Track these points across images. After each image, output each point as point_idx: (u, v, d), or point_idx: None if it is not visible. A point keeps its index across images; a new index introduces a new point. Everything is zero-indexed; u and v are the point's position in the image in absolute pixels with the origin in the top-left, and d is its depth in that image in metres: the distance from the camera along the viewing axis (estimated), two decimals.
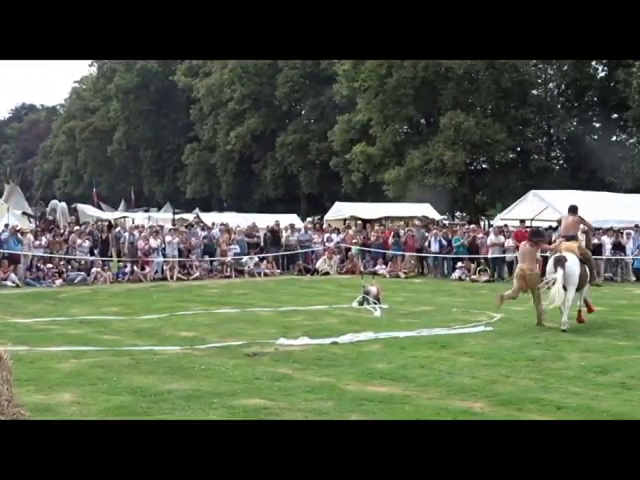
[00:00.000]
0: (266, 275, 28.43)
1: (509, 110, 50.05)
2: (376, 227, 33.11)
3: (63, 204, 36.73)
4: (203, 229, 30.46)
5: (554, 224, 27.22)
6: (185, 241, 28.04)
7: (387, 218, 37.08)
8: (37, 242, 25.54)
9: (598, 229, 26.13)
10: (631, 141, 52.39)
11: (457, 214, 57.76)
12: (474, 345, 12.28)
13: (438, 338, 12.94)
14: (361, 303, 17.86)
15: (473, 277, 26.36)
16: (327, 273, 28.83)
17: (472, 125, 46.52)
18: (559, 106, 53.77)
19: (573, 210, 15.94)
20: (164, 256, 27.11)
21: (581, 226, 16.42)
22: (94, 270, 25.29)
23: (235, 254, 28.90)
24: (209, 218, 37.33)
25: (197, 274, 26.99)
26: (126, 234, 27.75)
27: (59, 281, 24.26)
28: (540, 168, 51.55)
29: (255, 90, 62.12)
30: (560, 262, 14.59)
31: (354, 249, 30.41)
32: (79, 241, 25.88)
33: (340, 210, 38.81)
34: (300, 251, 30.36)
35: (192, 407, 8.13)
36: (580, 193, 33.14)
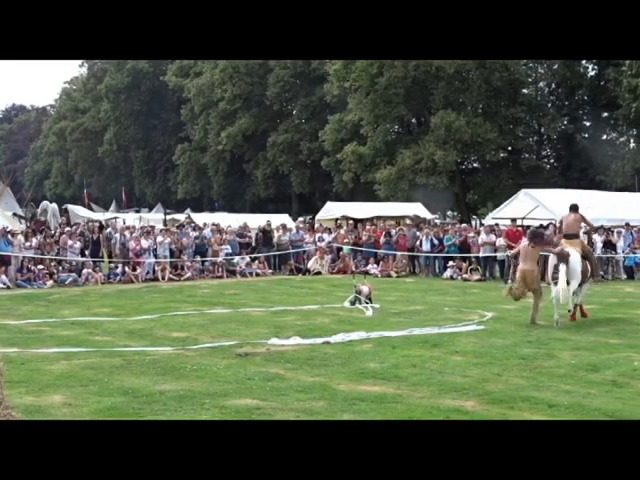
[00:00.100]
0: (258, 275, 28.42)
1: (500, 109, 50.14)
2: (367, 227, 33.13)
3: (54, 205, 36.63)
4: (194, 229, 30.44)
5: (545, 222, 27.33)
6: (176, 241, 28.01)
7: (378, 218, 37.06)
8: (28, 243, 25.46)
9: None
10: (621, 139, 52.62)
11: (448, 213, 57.81)
12: (466, 344, 12.30)
13: (430, 337, 12.95)
14: (353, 303, 17.86)
15: (465, 276, 26.39)
16: (319, 273, 28.83)
17: (463, 124, 46.59)
18: (549, 105, 53.92)
19: (574, 208, 16.20)
20: (155, 257, 27.07)
21: (582, 225, 16.73)
22: (85, 271, 25.23)
23: (227, 254, 28.89)
24: (200, 218, 37.28)
25: (189, 274, 26.95)
26: (117, 235, 27.71)
27: (50, 282, 24.21)
28: (531, 167, 51.70)
29: (246, 90, 62.07)
30: (564, 258, 14.86)
31: (346, 249, 30.42)
32: (70, 242, 25.82)
33: (331, 210, 38.80)
34: (292, 251, 30.36)
35: (184, 408, 8.13)
36: (571, 192, 33.21)
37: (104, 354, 11.41)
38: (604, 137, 53.43)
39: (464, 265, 27.10)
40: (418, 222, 34.79)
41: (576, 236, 16.04)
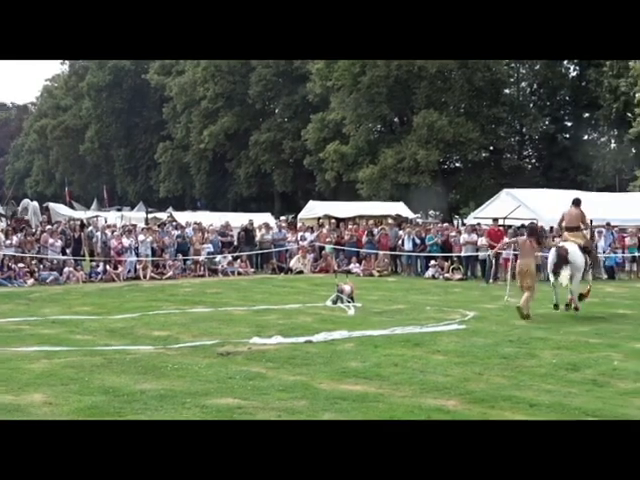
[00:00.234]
0: (240, 274, 28.36)
1: (482, 109, 50.37)
2: (350, 226, 33.14)
3: (35, 203, 36.41)
4: (176, 228, 30.34)
5: (527, 222, 27.42)
6: (158, 240, 27.91)
7: (361, 217, 37.10)
8: (8, 241, 25.28)
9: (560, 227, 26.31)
10: (602, 140, 52.95)
11: (430, 213, 57.98)
12: (447, 343, 12.31)
13: (411, 336, 12.96)
14: (335, 302, 17.85)
15: (446, 275, 26.44)
16: (301, 272, 28.81)
17: (445, 124, 46.76)
18: (531, 105, 54.24)
19: (577, 203, 16.83)
20: (137, 255, 26.97)
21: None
22: (66, 270, 25.10)
23: (208, 253, 28.82)
24: (182, 217, 37.18)
25: (170, 273, 26.87)
26: (98, 233, 27.58)
27: (31, 281, 24.07)
28: (513, 167, 51.99)
29: (228, 88, 62.01)
30: (564, 258, 15.54)
31: (328, 248, 30.41)
32: (51, 240, 25.68)
33: (314, 209, 38.79)
34: (274, 250, 30.33)
35: (165, 407, 8.10)
36: (552, 192, 33.40)
37: (85, 353, 11.35)
38: (585, 137, 53.78)
39: (446, 264, 27.15)
40: (400, 221, 34.85)
41: (577, 228, 16.68)
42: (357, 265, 29.10)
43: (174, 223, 32.85)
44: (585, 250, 16.20)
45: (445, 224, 34.56)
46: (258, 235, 30.63)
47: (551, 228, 26.88)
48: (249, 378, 9.52)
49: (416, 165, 46.94)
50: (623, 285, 23.41)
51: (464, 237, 27.19)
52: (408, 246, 28.52)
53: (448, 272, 26.71)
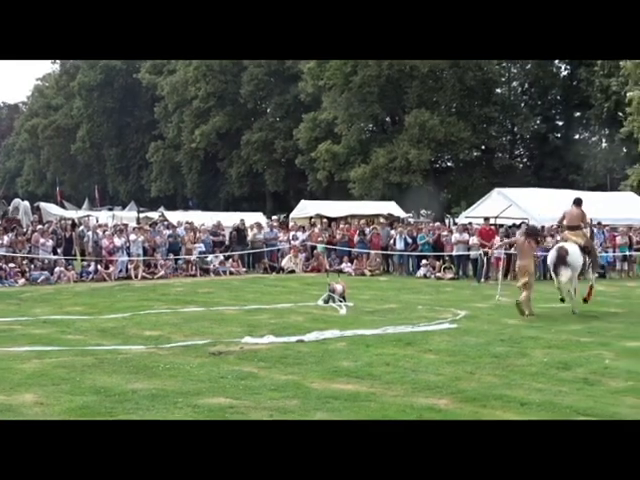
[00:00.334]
0: (231, 273, 28.33)
1: (473, 108, 50.45)
2: (341, 225, 33.14)
3: (26, 203, 36.31)
4: (168, 228, 30.28)
5: (518, 221, 27.52)
6: (150, 240, 27.86)
7: (353, 216, 37.11)
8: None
9: (560, 226, 26.36)
10: (593, 139, 53.09)
11: (422, 212, 58.03)
12: (439, 342, 12.33)
13: (403, 336, 12.97)
14: (326, 301, 17.85)
15: (438, 275, 26.46)
16: (293, 271, 28.80)
17: (437, 123, 46.82)
18: (523, 104, 54.35)
19: (578, 202, 17.28)
20: (128, 255, 26.90)
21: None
22: (57, 269, 25.04)
23: (200, 253, 28.77)
24: (174, 217, 37.11)
25: (162, 273, 26.82)
26: (90, 233, 27.51)
27: (22, 280, 24.00)
28: (504, 166, 52.07)
29: (220, 88, 61.94)
30: (562, 259, 15.94)
31: (320, 247, 30.40)
32: (42, 240, 25.61)
33: (305, 208, 38.79)
34: (266, 249, 30.30)
35: (156, 407, 8.09)
36: (543, 191, 33.51)
37: (76, 353, 11.32)
38: (576, 137, 53.96)
39: (437, 264, 27.17)
40: (392, 221, 34.88)
41: (578, 227, 17.08)
42: (349, 264, 29.10)
43: (165, 223, 32.77)
44: (585, 250, 16.57)
45: (437, 223, 34.60)
46: (250, 235, 30.59)
47: (542, 227, 26.94)
48: (241, 378, 9.52)
49: (408, 164, 46.98)
50: (614, 284, 23.48)
51: (455, 236, 27.21)
52: (400, 245, 28.54)
53: (440, 271, 26.72)
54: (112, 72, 73.45)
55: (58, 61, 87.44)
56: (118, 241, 26.81)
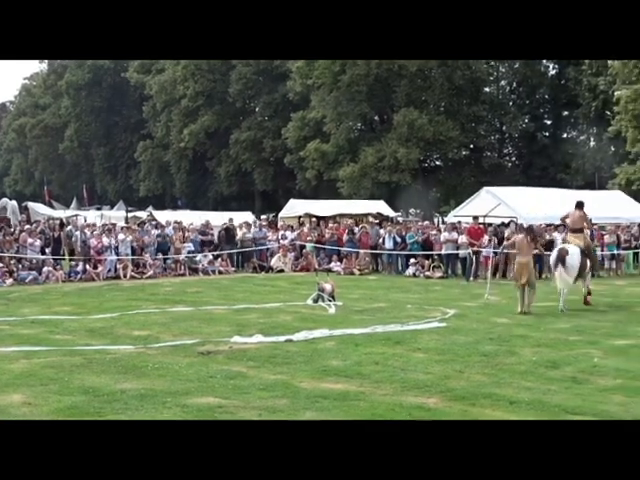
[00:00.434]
0: (220, 273, 28.29)
1: (462, 107, 50.55)
2: (330, 224, 33.14)
3: (14, 202, 36.22)
4: (156, 227, 30.21)
5: (507, 220, 27.57)
6: (138, 239, 27.80)
7: (341, 215, 37.12)
8: None
9: (550, 225, 26.47)
10: (582, 138, 53.26)
11: (411, 211, 58.11)
12: (428, 341, 12.33)
13: (392, 334, 12.97)
14: (316, 300, 17.85)
15: (427, 273, 26.48)
16: (282, 270, 28.77)
17: (425, 122, 46.90)
18: (511, 103, 54.51)
19: (580, 206, 17.81)
20: (117, 255, 26.84)
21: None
22: (45, 269, 24.95)
23: (189, 252, 28.73)
24: (163, 216, 37.05)
25: (150, 272, 26.76)
26: (78, 232, 27.41)
27: (10, 280, 23.90)
28: (493, 165, 52.21)
29: (208, 87, 61.88)
30: (562, 258, 16.49)
31: (309, 246, 30.40)
32: (30, 240, 25.52)
33: (294, 207, 38.77)
34: (255, 249, 30.25)
35: (145, 406, 8.07)
36: (532, 190, 33.56)
37: (64, 353, 11.29)
38: (565, 136, 54.16)
39: (427, 263, 27.20)
40: (381, 220, 34.90)
41: (580, 230, 17.56)
42: (338, 263, 29.09)
43: (154, 222, 32.70)
44: (585, 253, 17.02)
45: (426, 222, 34.65)
46: (239, 234, 30.56)
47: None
48: (230, 377, 9.51)
49: (396, 163, 47.04)
50: (602, 282, 23.53)
51: (444, 235, 27.24)
52: (389, 244, 28.56)
53: (429, 270, 26.75)
54: (100, 71, 73.28)
55: (46, 60, 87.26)
56: (106, 241, 26.74)
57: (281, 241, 30.72)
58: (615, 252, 27.74)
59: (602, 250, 27.77)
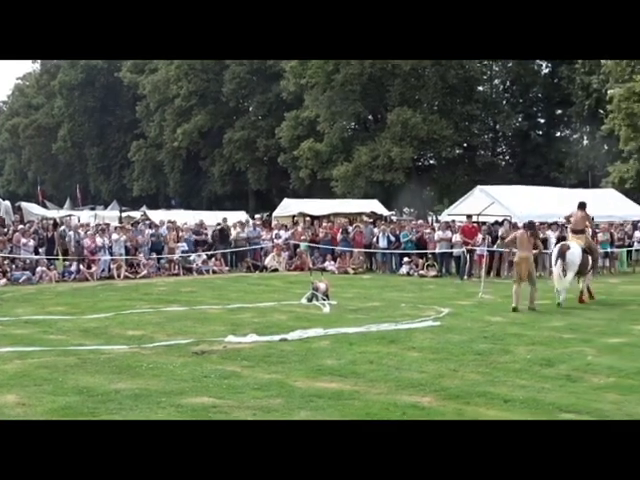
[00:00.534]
0: (214, 272, 28.28)
1: (455, 106, 50.55)
2: (324, 223, 33.14)
3: (7, 202, 36.06)
4: (150, 227, 30.17)
5: (500, 219, 27.62)
6: (132, 239, 27.76)
7: (335, 214, 37.11)
8: None
9: (543, 223, 26.49)
10: (575, 137, 53.33)
11: (405, 210, 58.14)
12: (422, 340, 12.34)
13: (387, 333, 12.99)
14: (310, 299, 17.85)
15: (421, 272, 26.49)
16: (276, 270, 28.77)
17: (419, 121, 46.90)
18: (504, 102, 54.53)
19: (582, 206, 18.13)
20: (111, 254, 26.80)
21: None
22: (39, 269, 24.91)
23: (183, 252, 28.70)
24: (156, 216, 36.99)
25: (144, 272, 26.73)
26: (71, 232, 27.35)
27: (3, 281, 23.85)
28: (486, 163, 52.23)
29: (202, 86, 61.80)
30: (562, 253, 17.01)
31: (303, 245, 30.39)
32: (24, 240, 25.46)
33: (288, 206, 38.73)
34: (249, 248, 30.23)
35: (140, 406, 8.06)
36: (526, 188, 33.58)
37: (58, 353, 11.27)
38: (558, 134, 54.26)
39: (420, 261, 27.21)
40: (375, 219, 34.91)
41: (582, 231, 17.97)
42: (332, 263, 29.10)
43: (148, 222, 32.65)
44: (587, 251, 17.42)
45: (419, 221, 34.66)
46: (233, 233, 30.54)
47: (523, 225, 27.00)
48: (224, 377, 9.50)
49: (390, 162, 47.04)
50: (596, 280, 23.50)
51: (438, 234, 27.26)
52: (383, 243, 28.57)
53: (423, 269, 26.77)
54: (93, 71, 73.11)
55: (38, 60, 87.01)
56: (100, 241, 26.70)
57: (275, 240, 30.72)
58: (609, 250, 27.77)
59: None
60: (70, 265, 26.17)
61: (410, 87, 49.45)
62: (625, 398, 8.38)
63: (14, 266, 25.01)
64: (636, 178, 35.86)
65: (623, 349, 11.49)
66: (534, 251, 17.36)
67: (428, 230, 29.12)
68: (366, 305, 17.57)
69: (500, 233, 25.71)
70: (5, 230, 27.27)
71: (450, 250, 26.68)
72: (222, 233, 30.28)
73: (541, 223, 26.65)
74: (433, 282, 24.21)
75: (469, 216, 27.80)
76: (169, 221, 31.19)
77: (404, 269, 27.25)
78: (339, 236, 29.84)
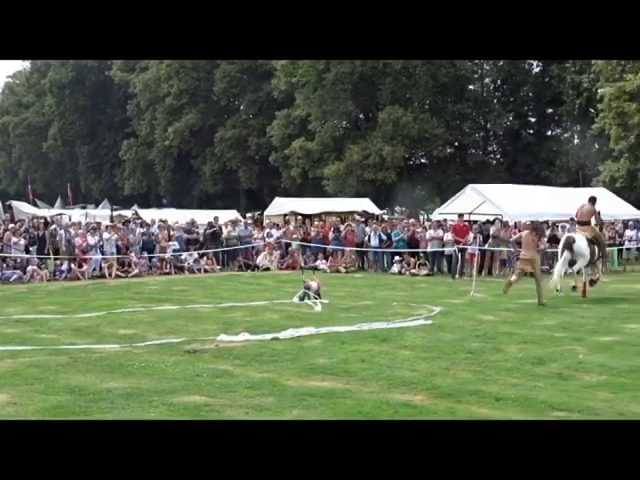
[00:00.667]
0: (206, 271, 28.26)
1: (446, 105, 50.64)
2: (316, 222, 33.13)
3: None
4: (142, 226, 30.13)
5: (492, 217, 27.66)
6: (123, 238, 27.71)
7: (327, 213, 37.12)
8: None
9: (534, 222, 26.52)
10: (566, 135, 53.44)
11: (396, 209, 58.19)
12: (414, 339, 12.35)
13: (378, 332, 12.98)
14: (302, 298, 17.84)
15: (413, 271, 26.52)
16: (267, 269, 28.76)
17: (410, 120, 46.94)
18: (495, 101, 54.65)
19: (592, 200, 18.82)
20: (102, 253, 26.75)
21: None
22: (30, 268, 24.84)
23: (174, 250, 28.66)
24: (148, 214, 36.96)
25: (136, 271, 26.69)
26: (62, 231, 27.28)
27: None
28: (477, 162, 52.33)
29: (193, 85, 61.74)
30: (569, 245, 17.63)
31: (294, 244, 30.39)
32: (14, 239, 25.39)
33: (280, 205, 38.73)
34: (240, 247, 30.22)
35: (131, 405, 8.04)
36: (517, 187, 33.65)
37: (50, 352, 11.24)
38: (549, 133, 54.37)
39: (412, 260, 27.22)
40: (366, 217, 34.93)
41: (588, 223, 18.53)
42: (324, 261, 29.12)
43: (139, 221, 32.60)
44: (593, 242, 18.06)
45: (411, 220, 34.69)
46: (224, 232, 30.52)
47: (515, 224, 27.10)
48: (216, 376, 9.49)
49: (382, 161, 47.08)
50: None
51: (430, 233, 27.30)
52: (374, 242, 28.59)
53: (414, 268, 26.79)
54: (84, 69, 72.91)
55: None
56: (91, 239, 26.65)
57: (267, 239, 30.71)
58: None
59: None
60: (61, 264, 26.12)
61: (401, 86, 49.50)
62: (617, 396, 8.40)
63: (5, 265, 24.94)
64: (627, 177, 35.93)
65: (614, 347, 11.51)
66: (541, 247, 18.42)
67: (420, 229, 29.16)
68: (358, 304, 17.57)
69: (491, 232, 25.77)
70: None
71: (442, 249, 26.71)
72: (213, 232, 30.25)
73: (532, 221, 26.68)
74: (425, 281, 24.23)
75: (460, 215, 27.83)
76: (160, 220, 31.16)
77: (395, 268, 27.26)
78: (331, 235, 29.85)
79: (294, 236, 30.85)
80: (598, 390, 8.68)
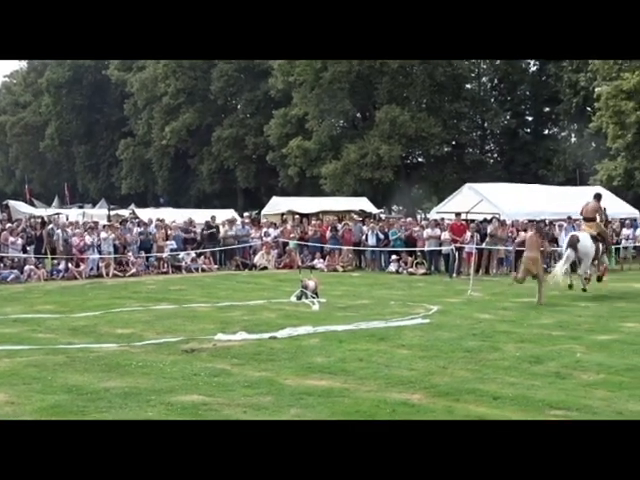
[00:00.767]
0: (203, 271, 28.25)
1: (444, 104, 50.59)
2: (313, 221, 33.13)
3: None
4: (139, 225, 30.12)
5: (489, 216, 27.67)
6: (120, 237, 27.70)
7: (324, 212, 37.12)
8: None
9: (531, 221, 26.55)
10: (563, 134, 53.45)
11: (394, 207, 58.16)
12: (412, 337, 12.36)
13: (376, 331, 12.99)
14: (299, 297, 17.85)
15: (410, 270, 26.52)
16: (265, 268, 28.76)
17: (407, 119, 46.91)
18: (492, 100, 54.64)
19: (597, 197, 19.31)
20: (99, 253, 26.74)
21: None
22: (27, 268, 24.83)
23: (172, 250, 28.65)
24: (145, 214, 36.93)
25: (133, 270, 26.68)
26: (59, 231, 27.26)
27: None
28: (475, 161, 52.29)
29: (190, 84, 61.65)
30: (573, 244, 17.94)
31: (292, 243, 30.38)
32: (11, 239, 25.37)
33: (277, 205, 38.73)
34: (238, 246, 30.20)
35: (129, 405, 8.05)
36: (514, 186, 33.71)
37: (47, 351, 11.24)
38: (546, 132, 54.36)
39: (410, 259, 27.23)
40: (364, 217, 34.92)
41: (592, 219, 18.87)
42: (321, 260, 29.12)
43: (136, 220, 32.58)
44: (598, 238, 18.44)
45: (408, 219, 34.69)
46: (222, 231, 30.50)
47: (512, 223, 27.13)
48: (214, 375, 9.49)
49: (379, 160, 47.04)
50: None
51: (427, 232, 27.30)
52: (372, 241, 28.60)
53: (412, 267, 26.79)
54: (81, 69, 72.78)
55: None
56: (89, 239, 26.65)
57: (264, 238, 30.70)
58: None
59: None
60: (58, 263, 26.10)
61: (398, 85, 49.46)
62: (614, 395, 8.41)
63: (2, 264, 24.92)
64: (624, 176, 35.94)
65: (612, 346, 11.53)
66: (544, 247, 18.52)
67: (417, 228, 29.15)
68: (355, 303, 17.58)
69: (489, 231, 25.78)
70: None
71: (439, 248, 26.72)
72: (211, 231, 30.22)
73: (529, 220, 26.69)
74: (422, 280, 24.24)
75: (458, 214, 27.85)
76: (158, 219, 31.15)
77: (393, 267, 27.27)
78: (328, 234, 29.86)
79: (291, 235, 30.84)
80: (596, 389, 8.70)
